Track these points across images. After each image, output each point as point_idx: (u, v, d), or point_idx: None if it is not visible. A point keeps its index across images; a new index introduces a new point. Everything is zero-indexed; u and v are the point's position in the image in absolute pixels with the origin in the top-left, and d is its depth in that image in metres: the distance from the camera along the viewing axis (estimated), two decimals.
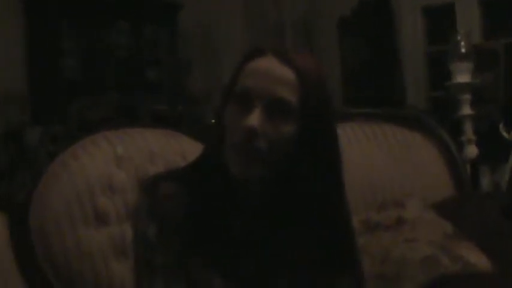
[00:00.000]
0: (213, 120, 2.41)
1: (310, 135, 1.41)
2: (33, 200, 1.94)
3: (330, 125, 1.46)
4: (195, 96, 5.53)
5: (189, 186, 1.45)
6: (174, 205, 1.43)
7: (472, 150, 3.30)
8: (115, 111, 2.04)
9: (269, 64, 1.40)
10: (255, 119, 1.36)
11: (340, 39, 5.72)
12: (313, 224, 1.45)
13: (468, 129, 3.32)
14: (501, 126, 3.58)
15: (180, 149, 2.14)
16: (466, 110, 3.31)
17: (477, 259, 2.15)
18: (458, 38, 3.32)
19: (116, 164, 2.03)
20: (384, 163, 2.53)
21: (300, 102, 1.39)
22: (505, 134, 3.56)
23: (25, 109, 5.17)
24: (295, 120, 1.39)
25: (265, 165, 1.39)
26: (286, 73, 1.39)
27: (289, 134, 1.39)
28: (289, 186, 1.43)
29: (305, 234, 1.46)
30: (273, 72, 1.39)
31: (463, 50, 3.29)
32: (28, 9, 5.37)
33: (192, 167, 1.51)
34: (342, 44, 5.72)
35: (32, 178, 1.96)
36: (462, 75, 3.28)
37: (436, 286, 2.06)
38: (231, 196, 1.44)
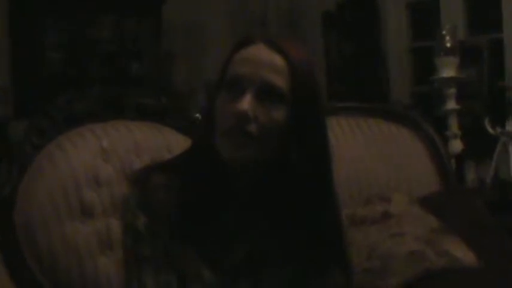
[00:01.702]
0: (198, 114, 2.40)
1: (301, 121, 1.42)
2: (19, 193, 1.92)
3: (320, 111, 1.47)
4: (179, 89, 5.52)
5: (179, 178, 1.45)
6: (164, 196, 1.43)
7: (457, 145, 3.31)
8: (100, 104, 2.03)
9: (259, 51, 1.42)
10: (246, 103, 1.37)
11: (324, 34, 5.72)
12: (303, 214, 1.45)
13: (453, 123, 3.33)
14: (486, 121, 3.59)
15: (165, 142, 2.13)
16: (451, 105, 3.32)
17: (463, 254, 2.16)
18: (444, 32, 3.33)
19: (101, 157, 2.02)
20: (369, 157, 2.53)
21: (291, 88, 1.40)
22: (490, 129, 3.57)
23: (8, 103, 5.14)
24: (286, 106, 1.41)
25: (256, 150, 1.40)
26: (276, 60, 1.41)
27: (280, 119, 1.40)
28: (280, 174, 1.43)
29: (295, 225, 1.46)
30: (263, 58, 1.41)
31: (448, 45, 3.30)
32: (11, 3, 5.32)
33: (182, 159, 1.51)
34: (326, 38, 5.72)
35: (17, 171, 1.95)
36: (447, 70, 3.29)
37: (422, 281, 2.06)
38: (222, 187, 1.44)
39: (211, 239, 1.44)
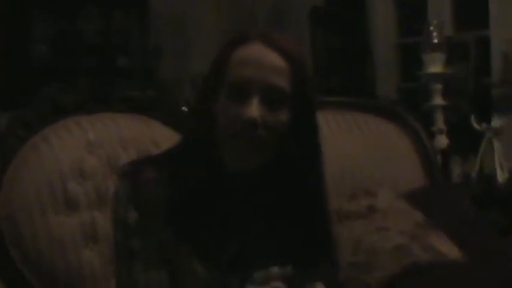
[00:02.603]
0: (184, 108, 2.39)
1: (300, 121, 1.41)
2: (3, 186, 1.91)
3: (316, 109, 1.47)
4: (166, 83, 5.50)
5: (170, 173, 1.44)
6: (155, 190, 1.42)
7: (442, 141, 3.32)
8: (87, 97, 2.02)
9: (259, 51, 1.40)
10: (255, 109, 1.36)
11: (311, 29, 5.72)
12: (295, 212, 1.45)
13: (439, 119, 3.34)
14: (472, 117, 3.60)
15: (151, 135, 2.13)
16: (438, 100, 3.32)
17: (447, 248, 2.17)
18: (431, 28, 3.34)
19: (87, 150, 2.01)
20: (355, 152, 2.53)
21: (292, 88, 1.39)
22: (475, 125, 3.58)
23: None
24: (288, 106, 1.39)
25: (263, 154, 1.39)
26: (278, 60, 1.39)
27: (285, 120, 1.39)
28: (274, 172, 1.43)
29: (287, 223, 1.45)
30: (265, 60, 1.39)
31: (435, 41, 3.30)
32: None
33: (173, 154, 1.49)
34: (314, 33, 5.72)
35: (1, 163, 1.94)
36: (434, 66, 3.29)
37: (407, 275, 2.06)
38: (214, 184, 1.43)
39: (202, 236, 1.43)
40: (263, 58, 1.39)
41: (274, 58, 1.39)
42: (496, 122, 3.58)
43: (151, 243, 1.40)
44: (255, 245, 1.45)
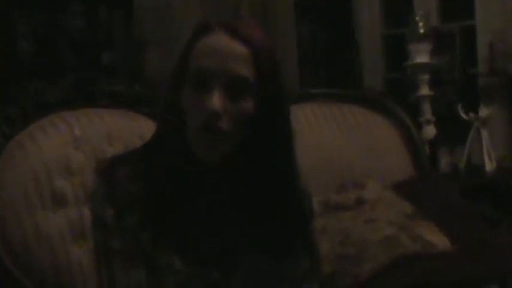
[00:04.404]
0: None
1: (267, 108, 1.40)
2: None
3: (284, 96, 1.45)
4: (152, 77, 5.48)
5: (147, 167, 1.43)
6: (132, 187, 1.40)
7: (430, 131, 3.33)
8: (72, 93, 2.02)
9: (220, 41, 1.38)
10: (216, 101, 1.34)
11: (297, 21, 5.71)
12: (270, 201, 1.44)
13: (426, 109, 3.35)
14: (459, 107, 3.61)
15: (138, 130, 2.12)
16: (425, 91, 3.34)
17: (436, 239, 2.17)
18: (417, 19, 3.34)
19: (73, 145, 2.00)
20: (343, 144, 2.53)
21: (255, 76, 1.38)
22: (463, 115, 3.59)
23: None
24: (252, 95, 1.38)
25: (229, 144, 1.38)
26: (239, 48, 1.37)
27: (249, 109, 1.38)
28: (249, 161, 1.41)
29: (264, 213, 1.44)
30: (227, 49, 1.37)
31: (421, 31, 3.31)
32: None
33: (148, 148, 1.48)
34: (299, 26, 5.71)
35: None
36: (421, 56, 3.30)
37: (396, 266, 2.07)
38: (192, 176, 1.42)
39: (181, 231, 1.42)
40: (223, 48, 1.37)
41: (235, 47, 1.37)
42: (483, 112, 3.59)
43: (130, 241, 1.39)
44: (235, 239, 1.44)
